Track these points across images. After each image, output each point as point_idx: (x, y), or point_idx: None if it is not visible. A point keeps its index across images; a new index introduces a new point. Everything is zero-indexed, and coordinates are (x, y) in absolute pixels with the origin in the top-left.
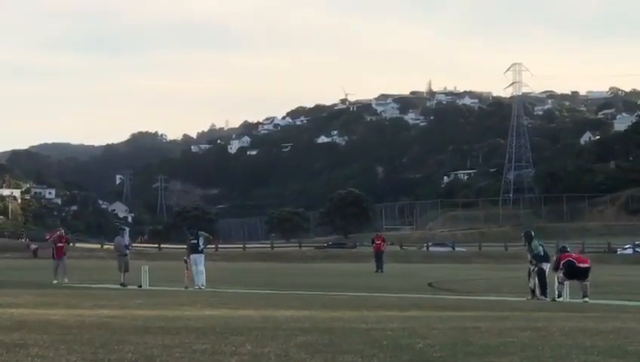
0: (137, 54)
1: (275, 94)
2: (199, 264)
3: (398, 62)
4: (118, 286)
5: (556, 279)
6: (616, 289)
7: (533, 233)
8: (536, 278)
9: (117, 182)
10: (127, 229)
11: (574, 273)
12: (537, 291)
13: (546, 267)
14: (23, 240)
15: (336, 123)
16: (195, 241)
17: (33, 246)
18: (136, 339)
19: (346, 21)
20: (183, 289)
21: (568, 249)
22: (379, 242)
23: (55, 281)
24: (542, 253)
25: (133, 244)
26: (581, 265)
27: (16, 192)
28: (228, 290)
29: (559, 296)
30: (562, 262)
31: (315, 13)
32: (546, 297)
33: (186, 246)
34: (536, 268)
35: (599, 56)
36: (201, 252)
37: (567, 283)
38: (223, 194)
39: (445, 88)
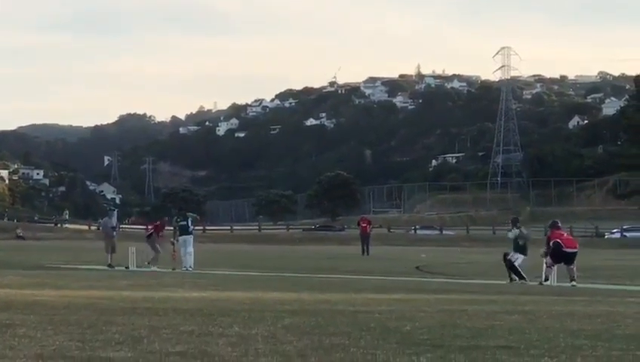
0: (126, 36)
1: (263, 77)
2: (188, 246)
3: (387, 45)
4: (106, 268)
5: (544, 262)
6: (604, 274)
7: (519, 219)
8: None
9: (105, 164)
10: (116, 211)
11: (560, 257)
12: (513, 275)
13: (517, 258)
14: (6, 220)
15: (325, 106)
16: (185, 223)
17: (19, 231)
18: (123, 320)
19: (336, 3)
20: (170, 270)
21: (559, 223)
22: (364, 225)
23: (153, 267)
24: (519, 244)
25: (122, 226)
26: (568, 249)
27: (4, 173)
28: (215, 272)
29: (546, 279)
30: (551, 242)
31: None
32: (526, 280)
33: (173, 228)
34: (509, 255)
35: (588, 40)
36: (191, 233)
37: (555, 267)
38: (211, 176)
39: (434, 72)
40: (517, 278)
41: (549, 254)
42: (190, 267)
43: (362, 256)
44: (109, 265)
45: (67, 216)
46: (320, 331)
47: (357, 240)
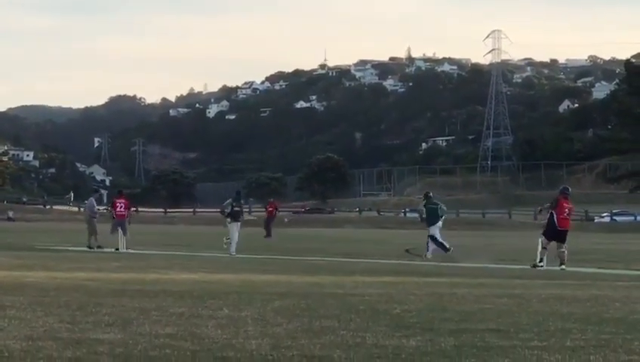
0: (116, 16)
1: (254, 59)
2: (236, 232)
3: (377, 27)
4: (95, 250)
5: (540, 243)
6: (593, 258)
7: (430, 193)
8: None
9: (95, 145)
10: (104, 192)
11: (554, 234)
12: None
13: (432, 230)
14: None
15: (315, 88)
16: (239, 209)
17: (10, 213)
18: (113, 302)
19: None
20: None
21: (569, 192)
22: (271, 209)
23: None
24: (428, 214)
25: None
26: (560, 228)
27: None
28: (205, 254)
29: (540, 261)
30: (549, 214)
31: None
32: (449, 250)
33: (224, 211)
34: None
35: (579, 24)
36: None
37: (548, 247)
38: (201, 159)
39: (424, 55)
40: (444, 250)
41: (544, 232)
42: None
43: (265, 238)
44: (94, 246)
45: (72, 198)
46: (310, 314)
47: (347, 222)
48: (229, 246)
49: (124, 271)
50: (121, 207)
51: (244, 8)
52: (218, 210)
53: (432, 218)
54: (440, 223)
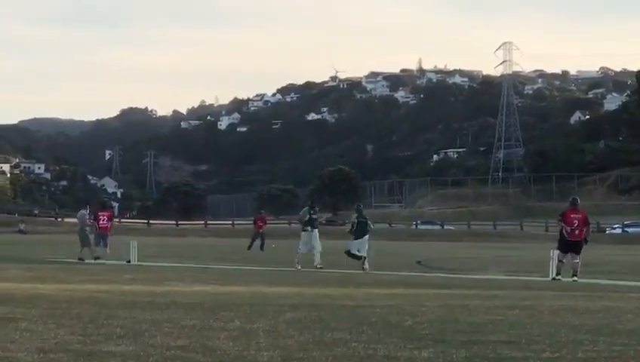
0: (128, 29)
1: (265, 71)
2: (316, 239)
3: (388, 40)
4: (86, 261)
5: (557, 256)
6: (605, 269)
7: (361, 207)
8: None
9: (106, 158)
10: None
11: (566, 246)
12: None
13: (354, 243)
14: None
15: (327, 100)
16: (316, 217)
17: (22, 226)
18: (124, 314)
19: None
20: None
21: (577, 202)
22: (261, 224)
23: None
24: (357, 227)
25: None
26: (570, 239)
27: (6, 167)
28: (216, 266)
29: (558, 273)
30: (560, 228)
31: None
32: (360, 259)
33: (303, 220)
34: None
35: (590, 35)
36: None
37: (565, 260)
38: (213, 171)
39: (435, 66)
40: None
41: (558, 246)
42: (319, 265)
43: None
44: (85, 258)
45: (88, 211)
46: (321, 326)
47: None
48: (303, 257)
49: (135, 283)
50: (104, 219)
51: (256, 21)
52: (295, 219)
53: (360, 231)
54: (367, 237)
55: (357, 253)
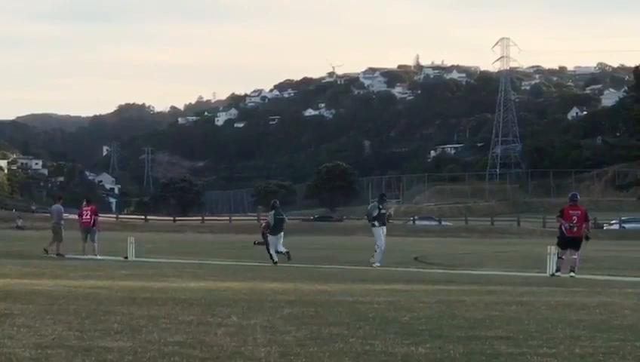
0: (125, 25)
1: (262, 67)
2: (383, 236)
3: (386, 35)
4: (50, 255)
5: (557, 253)
6: (603, 265)
7: (277, 203)
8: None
9: (104, 154)
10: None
11: (565, 242)
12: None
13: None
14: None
15: (324, 96)
16: (385, 212)
17: (19, 222)
18: (122, 310)
19: None
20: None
21: (577, 198)
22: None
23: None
24: (274, 223)
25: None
26: (568, 235)
27: (3, 163)
28: (213, 262)
29: (557, 270)
30: (559, 224)
31: None
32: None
33: (371, 215)
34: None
35: (587, 31)
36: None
37: (564, 256)
38: (210, 167)
39: (433, 62)
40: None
41: (558, 242)
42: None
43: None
44: (53, 253)
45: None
46: (319, 321)
47: (356, 230)
48: (375, 256)
49: (132, 279)
50: (86, 214)
51: (253, 16)
52: (365, 216)
53: (276, 228)
54: (282, 233)
55: (274, 254)
